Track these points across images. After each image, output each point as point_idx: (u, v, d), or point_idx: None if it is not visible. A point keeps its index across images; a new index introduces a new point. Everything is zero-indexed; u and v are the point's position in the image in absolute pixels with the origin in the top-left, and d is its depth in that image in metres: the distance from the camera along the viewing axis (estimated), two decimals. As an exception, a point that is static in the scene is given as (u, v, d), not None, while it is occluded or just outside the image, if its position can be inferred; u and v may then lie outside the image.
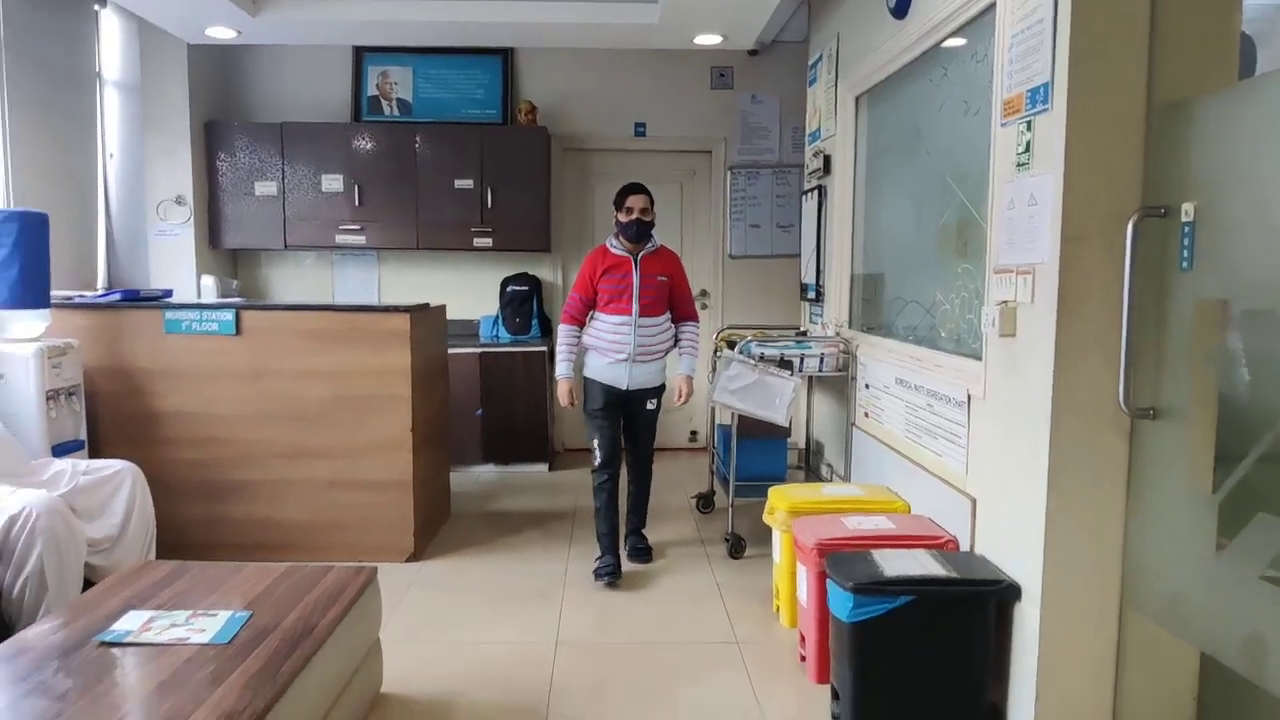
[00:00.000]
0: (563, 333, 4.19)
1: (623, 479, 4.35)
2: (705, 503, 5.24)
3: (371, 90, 6.48)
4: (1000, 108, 2.82)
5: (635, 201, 4.08)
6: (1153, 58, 2.42)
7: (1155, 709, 2.55)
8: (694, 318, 4.32)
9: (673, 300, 4.21)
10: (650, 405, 4.23)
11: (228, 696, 2.09)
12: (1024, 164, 2.66)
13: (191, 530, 4.24)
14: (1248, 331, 2.15)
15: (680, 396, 4.23)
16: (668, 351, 4.23)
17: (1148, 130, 2.42)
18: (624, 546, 4.35)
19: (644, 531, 4.48)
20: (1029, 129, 2.63)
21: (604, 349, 4.12)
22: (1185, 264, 2.26)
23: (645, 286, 4.08)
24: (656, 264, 4.15)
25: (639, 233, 4.08)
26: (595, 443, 4.17)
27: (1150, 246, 2.37)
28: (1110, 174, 2.43)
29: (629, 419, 4.25)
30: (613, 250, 4.14)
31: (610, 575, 4.08)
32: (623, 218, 4.11)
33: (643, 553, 4.39)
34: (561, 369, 4.17)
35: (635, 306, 4.07)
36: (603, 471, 4.18)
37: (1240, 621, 2.11)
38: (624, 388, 4.12)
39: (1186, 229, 2.25)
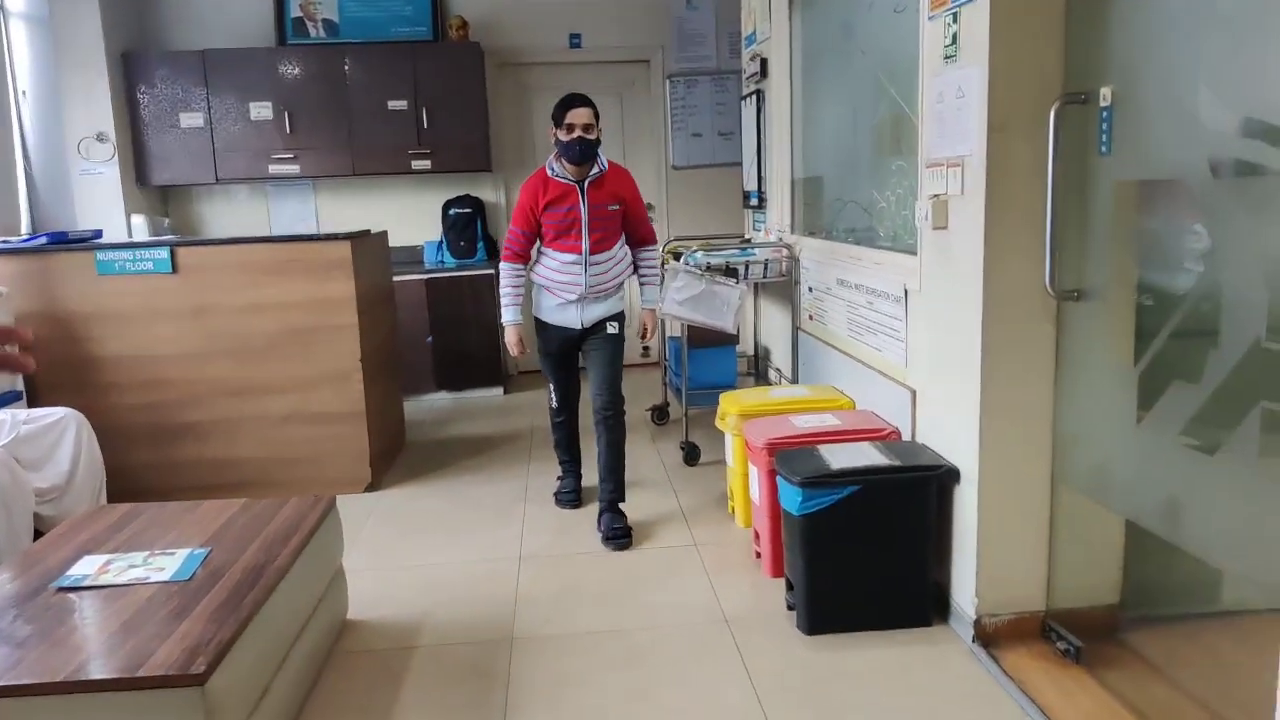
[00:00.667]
0: (505, 273, 3.73)
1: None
2: (660, 415, 5.32)
3: (295, 11, 6.25)
4: (927, 1, 2.81)
5: (577, 117, 3.48)
6: (1072, -58, 2.42)
7: (1085, 577, 2.69)
8: (651, 240, 3.86)
9: (627, 225, 3.76)
10: (611, 328, 3.77)
11: (192, 630, 2.12)
12: (951, 56, 2.66)
13: (143, 476, 4.22)
14: (1160, 209, 2.22)
15: (646, 333, 3.89)
16: (624, 281, 3.82)
17: (1068, 17, 2.43)
18: (598, 525, 3.73)
19: (621, 507, 3.75)
20: (955, 21, 2.63)
21: (553, 288, 3.71)
22: (1104, 148, 2.30)
23: (595, 218, 3.60)
24: (606, 190, 3.63)
25: (583, 153, 3.50)
26: (550, 387, 3.95)
27: (1072, 133, 2.41)
28: (1033, 63, 2.46)
29: (586, 351, 3.83)
30: (554, 177, 3.60)
31: (570, 499, 3.99)
32: (563, 136, 3.51)
33: (620, 535, 3.61)
34: (508, 315, 3.72)
35: (585, 243, 3.61)
36: (560, 410, 3.99)
37: (1159, 486, 2.22)
38: (577, 328, 3.74)
39: (1105, 114, 2.28)
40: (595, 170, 3.60)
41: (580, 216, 3.59)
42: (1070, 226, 2.46)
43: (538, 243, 3.73)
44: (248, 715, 2.16)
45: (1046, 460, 2.65)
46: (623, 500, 3.75)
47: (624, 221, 3.72)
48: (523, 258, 3.74)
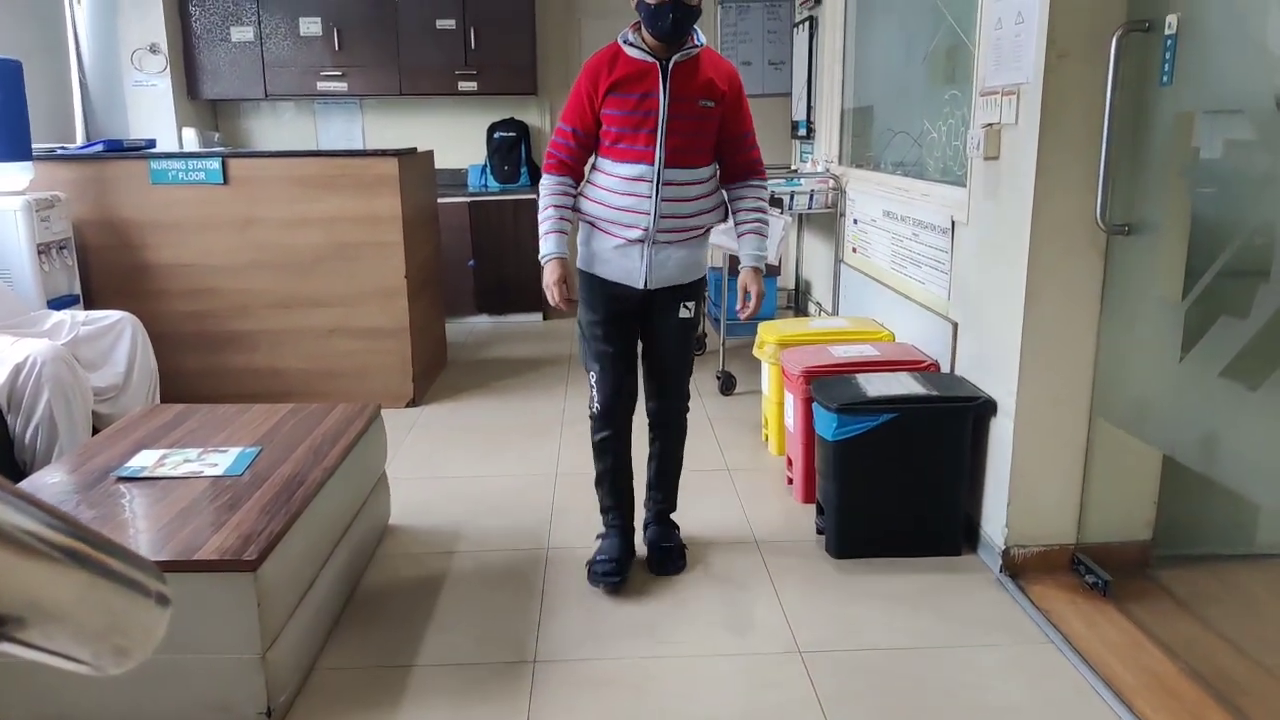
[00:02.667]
0: (547, 189, 2.66)
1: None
2: (697, 344, 5.34)
3: (344, -73, 6.17)
4: (991, -78, 2.73)
5: None
6: None
7: (1118, 512, 2.71)
8: (758, 170, 2.70)
9: (724, 141, 2.62)
10: (684, 312, 2.71)
11: (245, 520, 2.21)
12: (1012, -20, 2.60)
13: (192, 381, 4.34)
14: (1220, 143, 2.18)
15: (745, 305, 2.69)
16: (710, 228, 2.70)
17: (1137, -61, 2.36)
18: (641, 533, 2.93)
19: (673, 518, 2.95)
20: (1019, -57, 2.56)
21: (607, 222, 2.62)
22: (1166, 79, 2.25)
23: (678, 115, 2.51)
24: (700, 79, 2.53)
25: (677, 24, 2.44)
26: (593, 378, 2.73)
27: (1132, 62, 2.36)
28: (1097, -14, 2.39)
29: (648, 333, 2.75)
30: (629, 53, 2.53)
31: (610, 572, 2.73)
32: None
33: (669, 555, 2.85)
34: (548, 245, 2.63)
35: (660, 151, 2.51)
36: (604, 424, 2.75)
37: (1200, 421, 2.22)
38: (639, 286, 2.62)
39: (1169, 43, 2.23)
40: (688, 49, 2.53)
41: (658, 107, 2.50)
42: (1125, 159, 2.43)
43: (593, 156, 2.68)
44: (295, 604, 2.27)
45: (1086, 394, 2.64)
46: (673, 509, 2.94)
47: (720, 135, 2.61)
48: (571, 169, 2.66)
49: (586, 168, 2.70)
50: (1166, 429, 2.38)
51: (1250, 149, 2.10)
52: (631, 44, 2.54)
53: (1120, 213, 2.45)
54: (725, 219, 2.72)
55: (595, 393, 2.74)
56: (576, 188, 2.69)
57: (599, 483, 2.85)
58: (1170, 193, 2.32)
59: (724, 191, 2.69)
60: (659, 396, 2.81)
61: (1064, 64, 2.43)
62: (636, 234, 2.59)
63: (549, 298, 2.66)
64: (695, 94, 2.52)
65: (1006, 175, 2.66)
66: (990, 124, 2.73)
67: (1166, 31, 2.23)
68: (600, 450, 2.80)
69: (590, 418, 2.78)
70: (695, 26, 2.54)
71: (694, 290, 2.73)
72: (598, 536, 2.87)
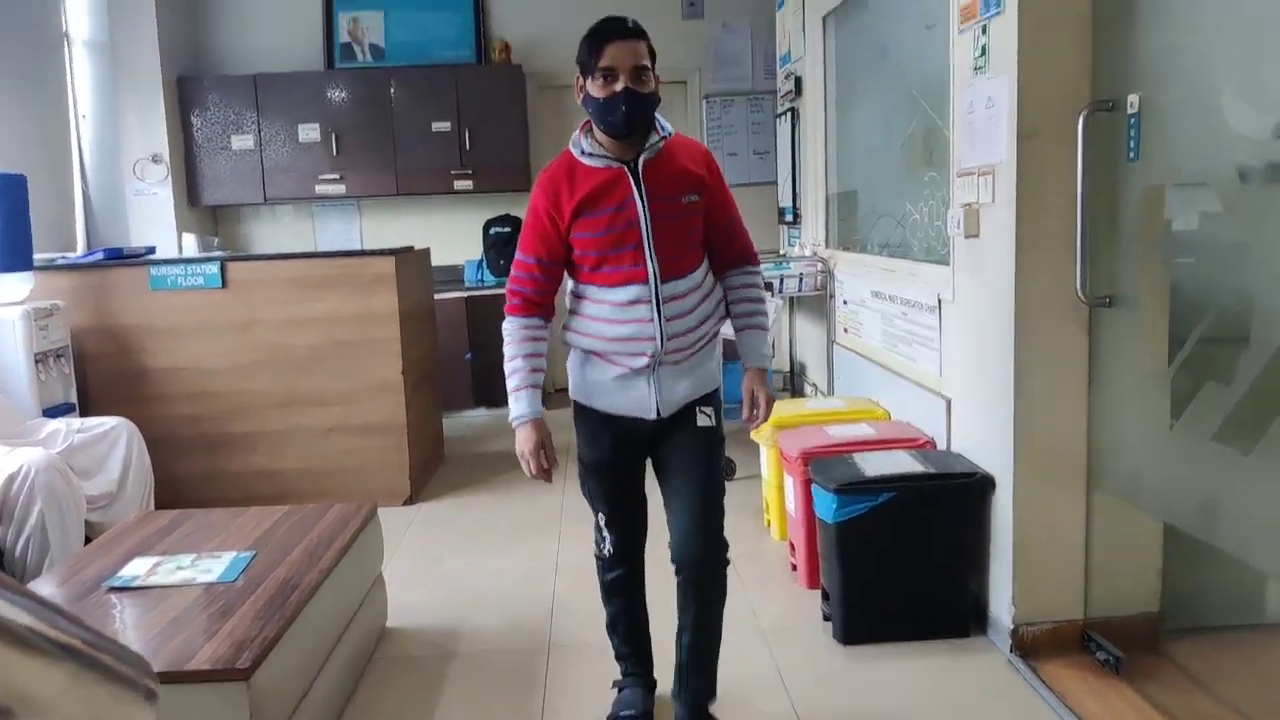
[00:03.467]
0: (513, 334, 2.24)
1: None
2: (726, 467, 5.32)
3: (343, 37, 6.42)
4: (957, 14, 2.84)
5: (619, 55, 2.07)
6: (1100, -48, 2.45)
7: (1124, 585, 2.67)
8: (751, 257, 2.37)
9: (711, 231, 2.27)
10: (703, 419, 2.30)
11: (239, 627, 2.18)
12: (981, 68, 2.69)
13: (190, 485, 4.33)
14: (1189, 214, 2.23)
15: (753, 413, 2.35)
16: (719, 331, 2.35)
17: (1095, 26, 2.45)
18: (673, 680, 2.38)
19: (711, 710, 2.37)
20: (984, 33, 2.66)
21: (607, 352, 2.22)
22: (1132, 155, 2.31)
23: (662, 218, 2.15)
24: (674, 170, 2.17)
25: (631, 117, 2.08)
26: (601, 519, 2.38)
27: (1100, 140, 2.42)
28: (1061, 72, 2.48)
29: (664, 458, 2.32)
30: (587, 163, 2.16)
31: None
32: (596, 89, 2.09)
33: None
34: (520, 405, 2.22)
35: (651, 265, 2.14)
36: (616, 565, 2.42)
37: (1195, 488, 2.21)
38: (652, 417, 2.23)
39: (1132, 120, 2.30)
40: (654, 140, 2.16)
41: (638, 217, 2.13)
42: (1100, 233, 2.47)
43: (573, 284, 2.29)
44: (290, 713, 2.22)
45: (1081, 466, 2.63)
46: (714, 698, 2.38)
47: (706, 226, 2.25)
48: (539, 306, 2.24)
49: (567, 295, 2.28)
50: (1163, 497, 2.37)
51: (1218, 219, 2.15)
52: (588, 152, 2.16)
53: (1101, 285, 2.49)
54: (725, 316, 2.37)
55: (606, 533, 2.37)
56: (547, 326, 2.27)
57: (612, 629, 2.49)
58: (1147, 264, 2.36)
59: (716, 282, 2.33)
60: (687, 542, 2.24)
61: (1034, 144, 2.50)
62: (643, 361, 2.18)
63: (525, 468, 2.25)
64: (675, 191, 2.16)
65: (988, 253, 2.71)
66: (969, 204, 2.78)
67: (1129, 110, 2.30)
68: (613, 591, 2.43)
69: (597, 557, 2.42)
70: (658, 114, 2.18)
71: (709, 398, 2.32)
72: (614, 684, 2.52)
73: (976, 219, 2.75)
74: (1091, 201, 2.43)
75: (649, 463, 2.37)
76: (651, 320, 2.16)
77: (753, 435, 3.75)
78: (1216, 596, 2.73)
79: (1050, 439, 2.62)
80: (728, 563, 2.34)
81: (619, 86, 2.06)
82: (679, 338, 2.19)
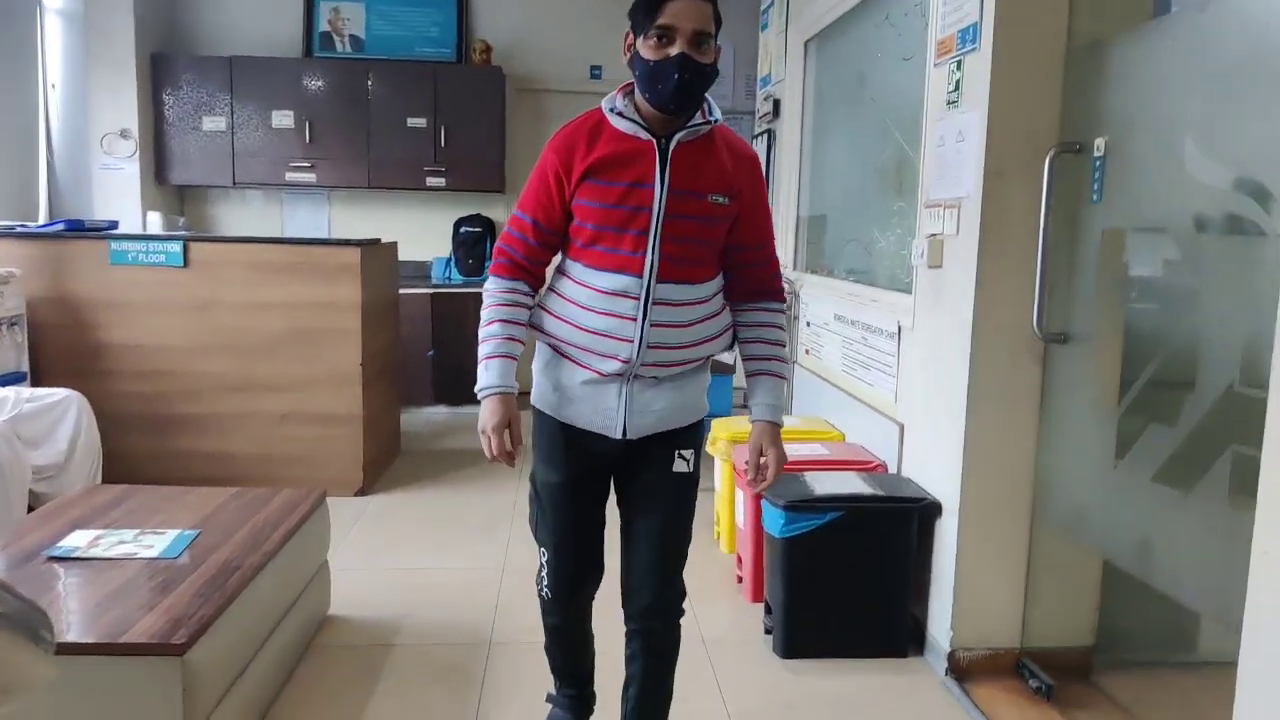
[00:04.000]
0: (494, 294, 1.98)
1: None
2: None
3: (323, 26, 6.39)
4: (934, 48, 2.90)
5: (681, 13, 1.76)
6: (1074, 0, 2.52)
7: (1061, 617, 2.73)
8: (778, 292, 2.07)
9: (736, 249, 1.98)
10: (680, 464, 2.01)
11: (177, 604, 2.16)
12: (954, 102, 2.75)
13: (139, 464, 4.25)
14: (1147, 259, 2.30)
15: (759, 475, 2.03)
16: (711, 358, 2.03)
17: (1066, 69, 2.52)
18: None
19: None
20: (959, 68, 2.73)
21: (576, 348, 1.94)
22: (1096, 197, 2.38)
23: (679, 213, 1.86)
24: (711, 164, 1.89)
25: (684, 88, 1.78)
26: (544, 556, 2.09)
27: (1066, 180, 2.49)
28: (1031, 111, 2.54)
29: (629, 497, 2.06)
30: (616, 124, 1.88)
31: None
32: (649, 51, 1.79)
33: None
34: (490, 374, 1.93)
35: (652, 256, 1.86)
36: (557, 610, 2.15)
37: (1135, 526, 2.27)
38: (616, 436, 1.95)
39: (1098, 163, 2.37)
40: (699, 122, 1.88)
41: (652, 201, 1.85)
42: (1060, 270, 2.54)
43: (560, 257, 2.01)
44: (224, 692, 2.19)
45: (1027, 498, 2.69)
46: None
47: (731, 241, 1.97)
48: (528, 273, 1.99)
49: (549, 270, 2.01)
50: (1103, 532, 2.43)
51: (1174, 266, 2.22)
52: (621, 113, 1.87)
53: (1057, 322, 2.55)
54: (731, 346, 2.05)
55: (546, 574, 2.08)
56: (533, 297, 2.01)
57: (549, 650, 2.26)
58: (1103, 304, 2.43)
59: (728, 310, 2.01)
60: (643, 589, 2.03)
61: (1001, 181, 2.56)
62: (614, 366, 1.89)
63: (486, 448, 1.92)
64: (704, 186, 1.87)
65: (949, 284, 2.76)
66: (934, 234, 2.84)
67: (1096, 153, 2.37)
68: (551, 638, 2.23)
69: (540, 596, 2.13)
70: (708, 96, 1.88)
71: (692, 436, 2.03)
72: (547, 698, 2.35)
73: (940, 250, 2.81)
74: (1053, 240, 2.49)
75: (610, 500, 2.09)
76: (634, 320, 1.86)
77: (708, 449, 3.78)
78: (1150, 632, 2.79)
79: (998, 469, 2.67)
80: (683, 613, 2.11)
81: (674, 50, 1.76)
82: (661, 350, 1.89)
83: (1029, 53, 2.53)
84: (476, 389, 1.95)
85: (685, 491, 2.05)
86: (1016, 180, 2.56)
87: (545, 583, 2.10)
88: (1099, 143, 2.37)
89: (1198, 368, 2.08)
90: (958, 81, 2.72)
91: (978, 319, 2.61)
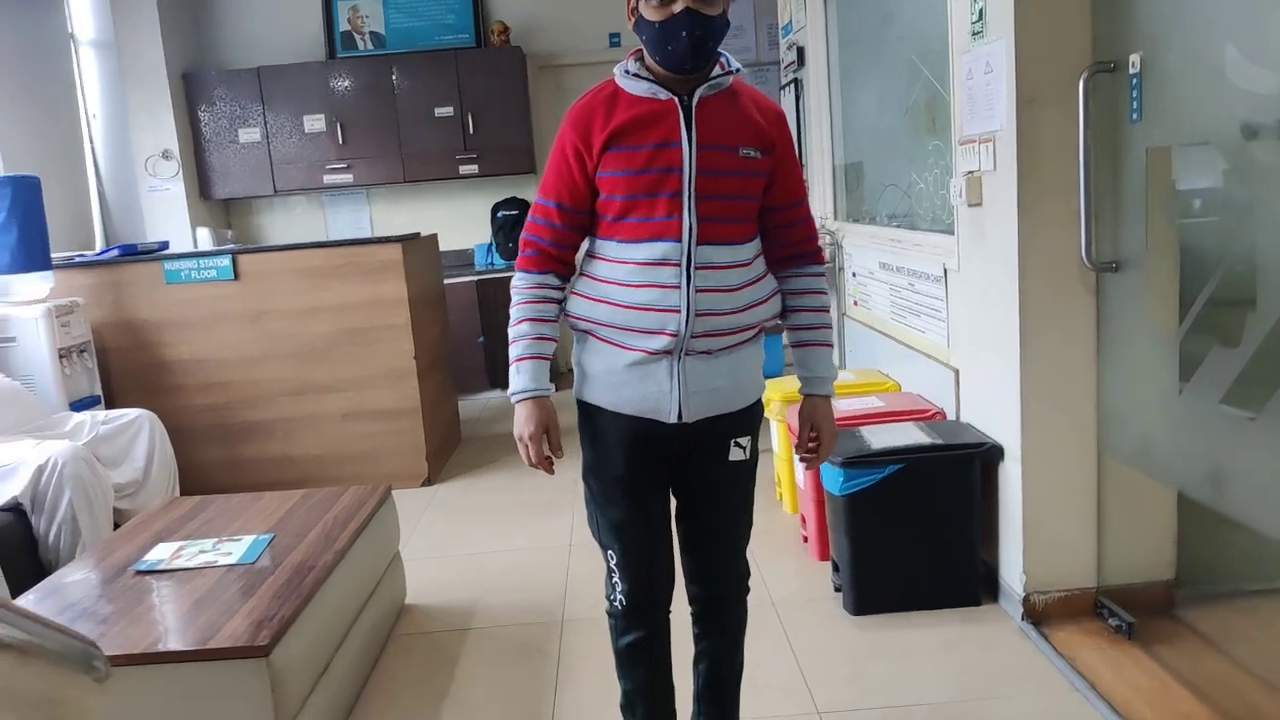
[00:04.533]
0: (522, 291, 1.86)
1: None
2: None
3: (343, 26, 6.44)
4: (956, -21, 2.82)
5: None
6: (1098, -88, 2.42)
7: (1138, 553, 2.67)
8: (818, 254, 1.95)
9: (771, 211, 1.85)
10: (736, 453, 1.89)
11: (258, 606, 2.23)
12: (978, 33, 2.67)
13: (211, 474, 4.39)
14: (1195, 175, 2.21)
15: (811, 448, 1.96)
16: (763, 326, 1.85)
17: (1095, -15, 2.43)
18: None
19: None
20: (982, -3, 2.65)
21: (618, 330, 1.79)
22: (1135, 116, 2.30)
23: (711, 168, 1.73)
24: (737, 116, 1.77)
25: (695, 46, 1.67)
26: (612, 559, 1.94)
27: (1102, 102, 2.40)
28: (1059, 33, 2.46)
29: (685, 486, 1.94)
30: (630, 89, 1.77)
31: None
32: (651, 11, 1.68)
33: None
34: (522, 378, 1.85)
35: (689, 219, 1.73)
36: (634, 622, 1.95)
37: (1203, 453, 2.21)
38: (671, 420, 1.80)
39: (1134, 81, 2.28)
40: (718, 75, 1.76)
41: (682, 161, 1.72)
42: (1105, 197, 2.46)
43: (589, 239, 1.86)
44: (310, 688, 2.27)
45: (1091, 433, 2.63)
46: None
47: (767, 201, 1.84)
48: (556, 261, 1.86)
49: (579, 254, 1.88)
50: (1173, 464, 2.37)
51: (1225, 179, 2.14)
52: (632, 73, 1.76)
53: (1107, 250, 2.48)
54: (781, 313, 1.90)
55: (617, 579, 1.91)
56: (563, 288, 1.87)
57: (628, 708, 2.02)
58: (1153, 227, 2.35)
59: (770, 273, 1.87)
60: (706, 581, 1.96)
61: (1034, 109, 2.49)
62: (663, 342, 1.75)
63: (524, 455, 1.88)
64: (735, 139, 1.75)
65: (991, 221, 2.70)
66: (971, 172, 2.78)
67: (1131, 70, 2.29)
68: (629, 660, 1.98)
69: (610, 614, 1.96)
70: (722, 50, 1.77)
71: (749, 420, 1.89)
72: None
73: (979, 187, 2.74)
74: (1094, 165, 2.42)
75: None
76: (678, 287, 1.72)
77: (768, 412, 3.76)
78: (1232, 561, 2.72)
79: (1059, 406, 2.62)
80: (749, 590, 2.04)
81: (678, 7, 1.64)
82: (711, 318, 1.74)
83: (1053, -27, 2.44)
84: (510, 394, 1.88)
85: (744, 480, 1.94)
86: (1050, 107, 2.48)
87: (619, 588, 1.92)
88: (1134, 59, 2.28)
89: (1259, 282, 2.01)
90: (981, 10, 2.64)
91: (1024, 254, 2.55)
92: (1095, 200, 2.44)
